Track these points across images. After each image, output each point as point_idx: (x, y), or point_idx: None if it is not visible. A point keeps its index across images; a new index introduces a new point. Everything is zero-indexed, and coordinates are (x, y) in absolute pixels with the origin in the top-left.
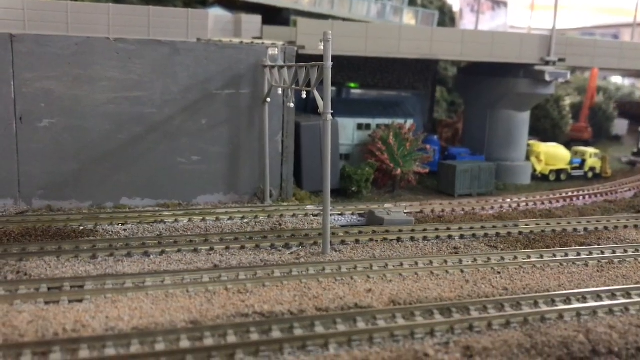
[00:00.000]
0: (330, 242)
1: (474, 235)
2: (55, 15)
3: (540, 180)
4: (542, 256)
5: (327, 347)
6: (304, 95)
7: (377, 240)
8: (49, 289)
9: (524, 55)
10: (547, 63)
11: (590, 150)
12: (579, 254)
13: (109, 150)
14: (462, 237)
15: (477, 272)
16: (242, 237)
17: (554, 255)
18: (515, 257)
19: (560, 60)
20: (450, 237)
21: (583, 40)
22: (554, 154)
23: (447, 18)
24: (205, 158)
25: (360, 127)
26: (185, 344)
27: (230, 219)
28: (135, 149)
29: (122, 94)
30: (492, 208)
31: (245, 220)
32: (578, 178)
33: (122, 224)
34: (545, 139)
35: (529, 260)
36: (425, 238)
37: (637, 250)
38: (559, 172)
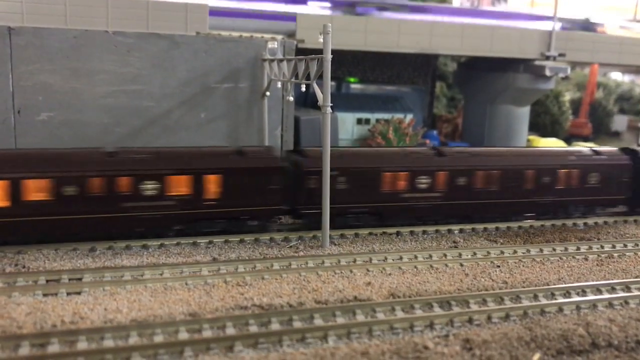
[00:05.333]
0: (330, 235)
1: (473, 229)
2: (54, 8)
3: None
4: (541, 250)
5: (326, 339)
6: (303, 89)
7: (376, 234)
8: (47, 281)
9: (524, 50)
10: (547, 58)
11: (590, 146)
12: (578, 248)
13: (108, 144)
14: (461, 231)
15: (477, 265)
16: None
17: (554, 249)
18: (515, 251)
19: (561, 55)
20: (449, 231)
21: (583, 35)
22: None
23: None
24: None
25: (359, 121)
26: (183, 335)
27: None
28: (134, 142)
29: (121, 87)
30: None
31: None
32: None
33: None
34: (544, 134)
35: (528, 254)
36: (424, 232)
37: (637, 245)
38: None
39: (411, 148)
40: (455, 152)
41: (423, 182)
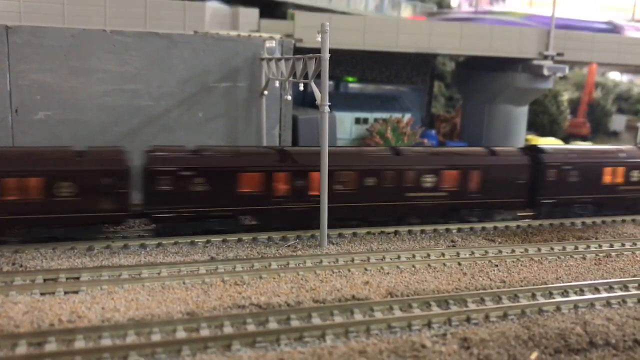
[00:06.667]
0: (328, 235)
1: (471, 228)
2: (51, 7)
3: None
4: (539, 249)
5: (324, 338)
6: (301, 88)
7: (374, 234)
8: (44, 280)
9: (523, 49)
10: (545, 57)
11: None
12: (576, 248)
13: (106, 143)
14: (459, 230)
15: (475, 264)
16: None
17: (552, 249)
18: (513, 250)
19: (559, 54)
20: (447, 230)
21: (582, 35)
22: None
23: None
24: None
25: (358, 121)
26: (181, 334)
27: None
28: (132, 141)
29: (119, 87)
30: None
31: None
32: None
33: None
34: (543, 134)
35: (526, 253)
36: (422, 231)
37: (635, 244)
38: None
39: None
40: None
41: None
